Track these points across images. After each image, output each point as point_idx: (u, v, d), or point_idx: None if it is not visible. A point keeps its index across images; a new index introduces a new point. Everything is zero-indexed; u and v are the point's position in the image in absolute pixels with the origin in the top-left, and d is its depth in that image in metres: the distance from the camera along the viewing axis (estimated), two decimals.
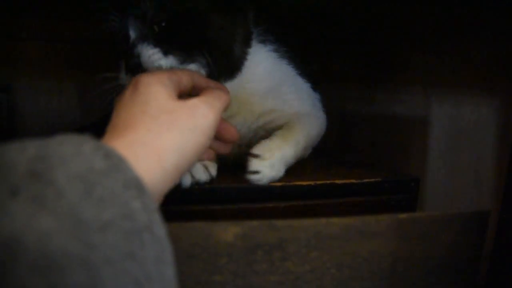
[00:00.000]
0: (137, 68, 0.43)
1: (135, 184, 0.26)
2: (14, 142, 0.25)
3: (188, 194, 0.44)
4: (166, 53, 0.44)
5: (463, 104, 0.65)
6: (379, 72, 0.78)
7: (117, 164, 0.26)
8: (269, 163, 0.46)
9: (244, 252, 0.35)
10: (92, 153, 0.26)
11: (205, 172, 0.45)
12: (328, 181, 0.49)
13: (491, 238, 0.55)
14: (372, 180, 0.52)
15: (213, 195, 0.44)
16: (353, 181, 0.51)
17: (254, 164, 0.45)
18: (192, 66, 0.45)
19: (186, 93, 0.41)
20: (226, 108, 0.41)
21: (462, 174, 0.65)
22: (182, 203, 0.43)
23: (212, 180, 0.46)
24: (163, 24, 0.45)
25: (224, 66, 0.48)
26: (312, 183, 0.48)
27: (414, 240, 0.40)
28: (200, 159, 0.44)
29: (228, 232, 0.34)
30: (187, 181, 0.44)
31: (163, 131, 0.32)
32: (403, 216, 0.39)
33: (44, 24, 0.86)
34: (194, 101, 0.36)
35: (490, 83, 0.61)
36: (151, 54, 0.43)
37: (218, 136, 0.44)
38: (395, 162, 0.73)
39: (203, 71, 0.46)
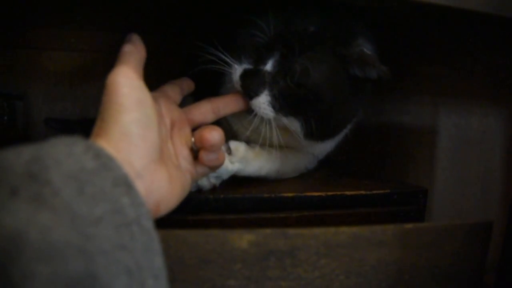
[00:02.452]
0: (250, 91, 0.46)
1: (124, 182, 0.28)
2: (8, 148, 0.27)
3: (203, 204, 0.46)
4: (278, 108, 0.47)
5: (471, 114, 0.65)
6: (388, 82, 0.79)
7: (106, 163, 0.28)
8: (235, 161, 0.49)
9: (257, 258, 0.36)
10: (83, 153, 0.28)
11: (207, 180, 0.48)
12: (338, 192, 0.51)
13: (498, 249, 0.55)
14: (381, 191, 0.54)
15: (227, 205, 0.46)
16: (363, 192, 0.53)
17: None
18: (292, 120, 0.48)
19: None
20: (137, 59, 0.37)
21: (469, 184, 0.66)
22: (197, 212, 0.45)
23: (214, 188, 0.49)
24: (295, 83, 0.46)
25: (323, 133, 0.52)
26: (323, 194, 0.50)
27: (419, 249, 0.41)
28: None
29: (243, 239, 0.36)
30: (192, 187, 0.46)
31: (98, 122, 0.34)
32: (409, 226, 0.41)
33: (59, 34, 0.89)
34: None
35: (498, 94, 0.62)
36: (266, 103, 0.47)
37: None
38: (403, 171, 0.74)
39: (299, 129, 0.49)
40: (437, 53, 0.68)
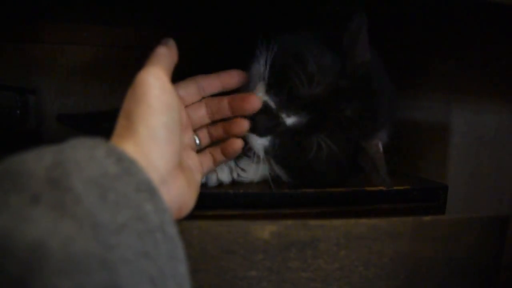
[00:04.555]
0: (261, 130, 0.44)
1: (147, 187, 0.27)
2: (31, 150, 0.26)
3: (223, 199, 0.46)
4: (270, 155, 0.46)
5: (484, 111, 0.65)
6: (400, 78, 0.79)
7: (129, 167, 0.27)
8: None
9: (279, 249, 0.37)
10: (105, 157, 0.27)
11: (228, 175, 0.48)
12: (358, 188, 0.51)
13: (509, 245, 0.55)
14: (401, 187, 0.54)
15: (247, 200, 0.47)
16: (383, 188, 0.52)
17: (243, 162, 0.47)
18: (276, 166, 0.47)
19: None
20: (169, 61, 0.37)
21: (482, 181, 0.65)
22: (217, 207, 0.46)
23: (233, 182, 0.49)
24: (303, 151, 0.45)
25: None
26: (343, 190, 0.50)
27: (437, 242, 0.42)
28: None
29: (265, 230, 0.36)
30: (213, 181, 0.47)
31: (121, 121, 0.33)
32: (427, 218, 0.41)
33: (71, 29, 0.89)
34: None
35: None
36: (261, 145, 0.45)
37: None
38: (414, 168, 0.74)
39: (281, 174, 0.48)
40: (450, 49, 0.68)
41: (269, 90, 0.44)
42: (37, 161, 0.25)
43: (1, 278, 0.20)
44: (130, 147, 0.30)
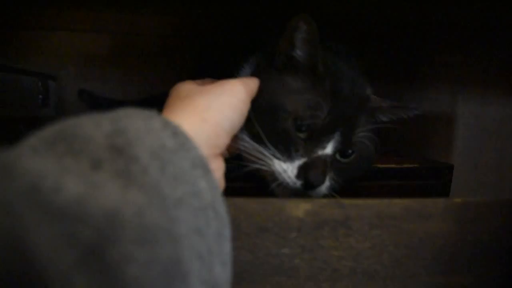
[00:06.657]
0: (316, 184, 0.44)
1: (201, 164, 0.27)
2: (83, 116, 0.26)
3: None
4: (335, 187, 0.47)
5: (489, 103, 0.66)
6: (406, 70, 0.80)
7: (184, 142, 0.27)
8: None
9: (312, 227, 0.37)
10: (162, 129, 0.27)
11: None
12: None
13: None
14: (411, 165, 0.57)
15: None
16: (393, 166, 0.56)
17: None
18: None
19: None
20: (254, 91, 0.43)
21: (485, 172, 0.66)
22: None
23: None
24: (347, 157, 0.47)
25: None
26: None
27: (465, 223, 0.42)
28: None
29: (300, 208, 0.37)
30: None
31: (198, 99, 0.36)
32: (458, 200, 0.41)
33: (90, 16, 0.90)
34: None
35: None
36: (326, 189, 0.46)
37: None
38: (420, 158, 0.75)
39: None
40: (455, 41, 0.69)
41: (285, 151, 0.44)
42: (95, 126, 0.25)
43: (77, 244, 0.19)
44: (195, 118, 0.33)
